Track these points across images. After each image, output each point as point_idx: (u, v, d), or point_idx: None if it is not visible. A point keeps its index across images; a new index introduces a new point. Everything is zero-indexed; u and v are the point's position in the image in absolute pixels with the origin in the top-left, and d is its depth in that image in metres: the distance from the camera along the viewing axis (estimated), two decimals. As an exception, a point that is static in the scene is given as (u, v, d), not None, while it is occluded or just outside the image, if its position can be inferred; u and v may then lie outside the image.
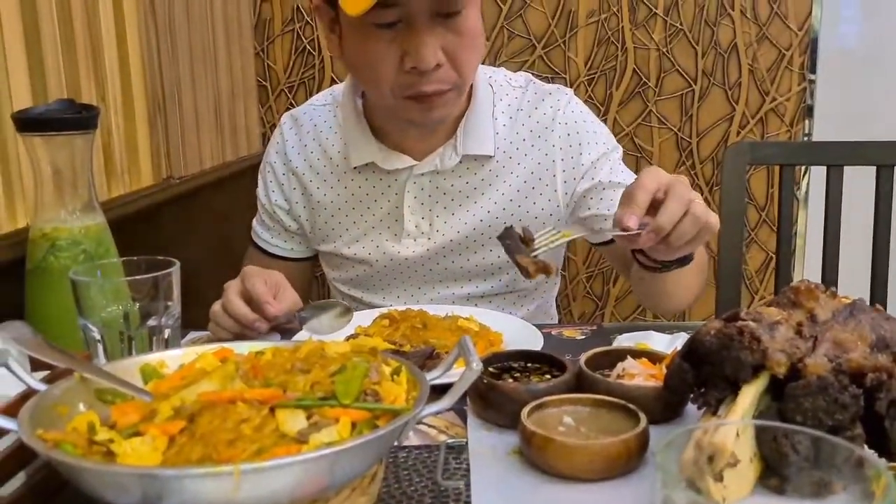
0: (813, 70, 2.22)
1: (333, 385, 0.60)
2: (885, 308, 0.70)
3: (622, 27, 2.20)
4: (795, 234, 2.29)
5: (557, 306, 1.54)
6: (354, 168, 1.25)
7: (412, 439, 0.79)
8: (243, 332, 1.03)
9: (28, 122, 0.93)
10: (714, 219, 0.88)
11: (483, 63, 2.20)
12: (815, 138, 2.25)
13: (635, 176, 1.26)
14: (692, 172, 2.28)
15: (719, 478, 0.52)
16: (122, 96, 1.47)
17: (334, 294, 1.41)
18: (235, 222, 1.72)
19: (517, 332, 1.05)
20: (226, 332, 1.05)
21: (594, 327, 1.14)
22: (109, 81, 1.43)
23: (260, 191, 1.35)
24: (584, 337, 1.11)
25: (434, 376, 0.68)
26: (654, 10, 2.18)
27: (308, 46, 2.27)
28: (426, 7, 1.04)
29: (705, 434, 0.54)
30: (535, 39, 2.21)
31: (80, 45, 1.32)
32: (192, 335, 1.15)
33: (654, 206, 0.86)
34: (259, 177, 1.35)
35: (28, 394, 0.64)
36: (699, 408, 0.64)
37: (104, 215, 1.05)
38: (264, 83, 2.29)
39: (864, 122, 2.26)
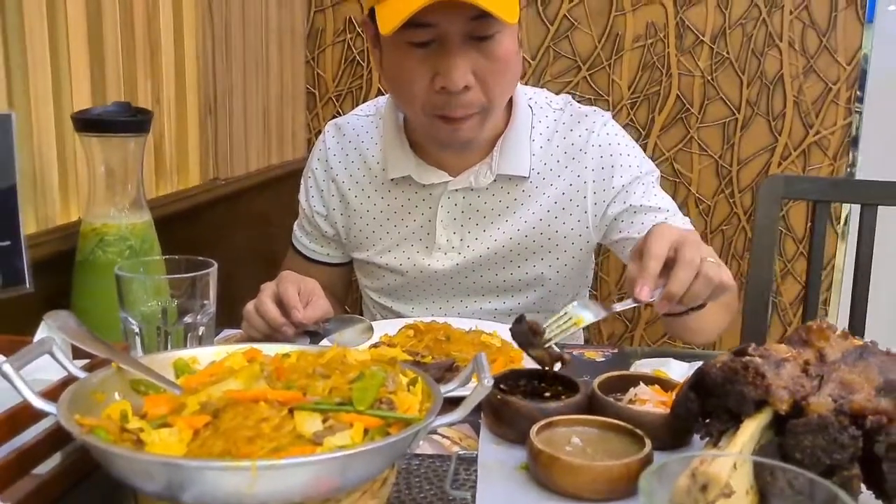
0: (860, 103, 2.20)
1: (351, 391, 0.63)
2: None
3: (668, 53, 2.21)
4: (833, 267, 2.27)
5: (586, 327, 1.55)
6: (392, 180, 1.28)
7: (426, 448, 0.81)
8: (272, 335, 1.07)
9: (86, 123, 0.99)
10: (727, 277, 0.88)
11: (527, 82, 2.23)
12: (859, 173, 2.23)
13: (671, 201, 1.28)
14: (731, 200, 2.27)
15: (712, 507, 0.54)
16: (175, 99, 1.54)
17: (366, 301, 1.45)
18: (277, 225, 1.77)
19: (539, 350, 1.07)
20: (256, 332, 1.09)
21: (615, 350, 1.16)
22: (165, 84, 1.49)
23: (301, 196, 1.40)
24: (604, 359, 1.12)
25: (449, 389, 0.71)
26: (700, 37, 2.19)
27: (357, 57, 2.32)
28: (459, 29, 1.07)
29: (701, 464, 0.56)
30: (580, 60, 2.23)
31: (140, 50, 1.38)
32: (226, 332, 1.19)
33: (668, 266, 0.86)
34: (301, 182, 1.40)
35: (69, 380, 0.68)
36: (701, 438, 0.66)
37: (151, 213, 1.10)
38: (313, 90, 2.35)
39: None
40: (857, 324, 1.34)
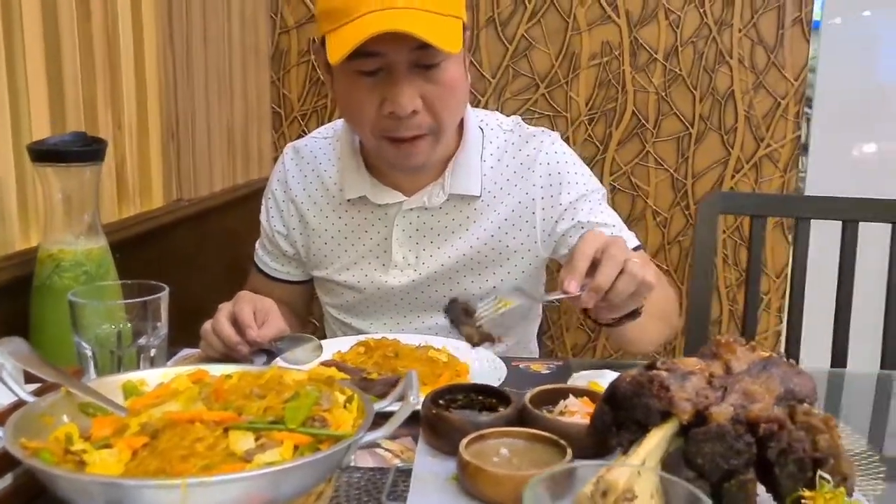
0: (809, 113, 2.27)
1: (284, 410, 0.67)
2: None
3: (623, 70, 2.27)
4: (786, 276, 2.33)
5: (541, 340, 1.60)
6: (348, 200, 1.33)
7: (367, 461, 0.85)
8: (229, 353, 1.11)
9: (41, 153, 1.02)
10: (650, 276, 0.95)
11: (487, 101, 2.29)
12: (808, 184, 2.30)
13: (617, 217, 1.33)
14: (686, 213, 2.33)
15: (613, 511, 0.58)
16: (137, 123, 1.57)
17: (327, 318, 1.49)
18: (244, 243, 1.80)
19: (484, 364, 1.11)
20: (213, 350, 1.12)
21: (560, 363, 1.21)
22: (126, 109, 1.52)
23: (262, 216, 1.44)
24: (548, 372, 1.17)
25: (382, 406, 0.75)
26: (654, 55, 2.25)
27: (322, 78, 2.36)
28: (405, 58, 1.12)
29: (607, 472, 0.61)
30: (538, 79, 2.29)
31: (100, 74, 1.41)
32: (185, 352, 1.22)
33: (596, 266, 0.93)
34: (262, 202, 1.44)
35: (19, 404, 0.72)
36: (615, 447, 0.70)
37: (109, 237, 1.13)
38: (279, 110, 2.39)
39: (860, 168, 2.31)
40: (793, 329, 1.40)
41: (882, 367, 1.38)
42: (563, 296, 0.91)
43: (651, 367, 0.72)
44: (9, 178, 1.17)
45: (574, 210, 1.30)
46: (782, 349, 1.81)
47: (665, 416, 0.68)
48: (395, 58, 1.12)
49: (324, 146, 1.39)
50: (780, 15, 2.22)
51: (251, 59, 2.20)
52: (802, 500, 0.63)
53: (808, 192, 2.34)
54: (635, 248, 1.29)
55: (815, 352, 1.45)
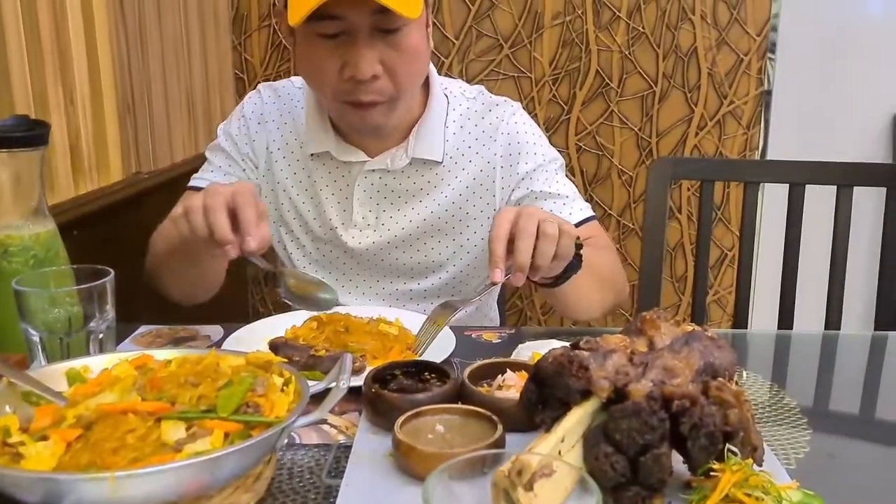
0: (770, 75, 2.28)
1: (217, 399, 0.69)
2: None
3: (586, 29, 2.26)
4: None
5: (511, 301, 1.62)
6: (311, 155, 1.33)
7: (313, 438, 0.88)
8: (206, 248, 0.98)
9: (-19, 140, 1.01)
10: (567, 225, 0.97)
11: (451, 62, 2.27)
12: (771, 142, 2.32)
13: (573, 188, 1.35)
14: (651, 171, 2.35)
15: (529, 487, 0.61)
16: (90, 96, 1.56)
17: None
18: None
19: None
20: (193, 234, 0.98)
21: (511, 331, 1.23)
22: (78, 83, 1.51)
23: (222, 140, 1.36)
24: (500, 341, 1.20)
25: (317, 388, 0.77)
26: (617, 13, 2.24)
27: (284, 41, 2.33)
28: (365, 21, 1.12)
29: (525, 452, 0.63)
30: (502, 39, 2.28)
31: (47, 48, 1.39)
32: (143, 329, 1.24)
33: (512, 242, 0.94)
34: (223, 128, 1.38)
35: (-40, 396, 0.73)
36: (538, 425, 0.73)
37: (65, 215, 1.14)
38: (242, 76, 2.37)
39: (820, 125, 2.33)
40: (741, 295, 1.43)
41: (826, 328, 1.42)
42: (492, 286, 0.93)
43: (575, 346, 0.74)
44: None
45: (530, 180, 1.32)
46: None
47: (585, 394, 0.71)
48: (355, 21, 1.12)
49: (297, 95, 1.38)
50: (742, -30, 2.21)
51: (210, 24, 2.17)
52: (712, 472, 0.66)
53: (770, 149, 2.35)
54: (587, 220, 1.31)
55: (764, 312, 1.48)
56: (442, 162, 1.31)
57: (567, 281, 1.07)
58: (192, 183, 1.39)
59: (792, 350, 1.26)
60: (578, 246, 1.04)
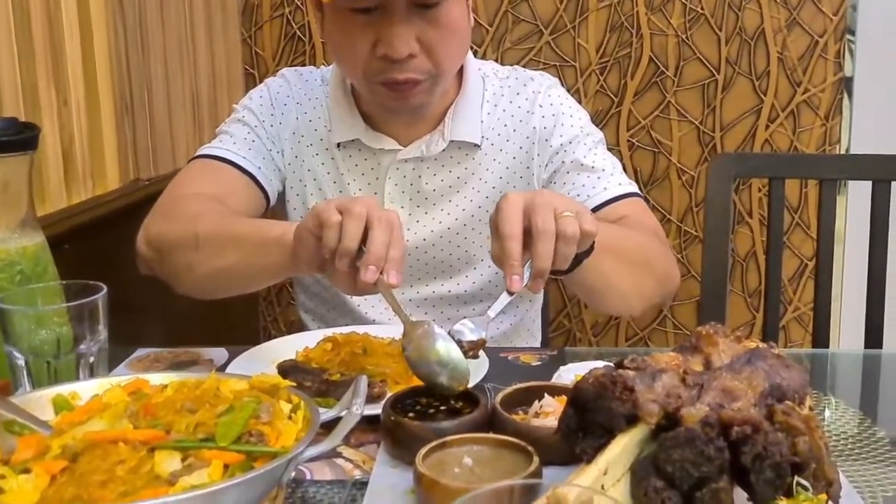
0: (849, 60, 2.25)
1: (216, 426, 0.70)
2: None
3: (637, 11, 2.25)
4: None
5: (556, 320, 1.61)
6: (338, 144, 1.35)
7: (327, 473, 0.88)
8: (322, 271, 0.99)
9: (-36, 145, 1.04)
10: (588, 224, 0.93)
11: (486, 51, 2.29)
12: (854, 134, 2.28)
13: (614, 163, 1.33)
14: (715, 170, 2.33)
15: (566, 527, 0.61)
16: (86, 97, 1.59)
17: (300, 305, 1.51)
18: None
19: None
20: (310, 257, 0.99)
21: (553, 352, 1.22)
22: (72, 83, 1.55)
23: (248, 101, 1.37)
24: (539, 363, 1.19)
25: (329, 416, 0.77)
26: (672, -8, 2.24)
27: (298, 32, 2.37)
28: None
29: (563, 485, 0.63)
30: (542, 25, 2.28)
31: (39, 44, 1.43)
32: (140, 352, 1.25)
33: (526, 234, 0.91)
34: (244, 104, 1.38)
35: (-61, 426, 0.75)
36: (578, 455, 0.72)
37: (56, 227, 1.16)
38: (252, 71, 2.40)
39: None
40: (821, 301, 1.41)
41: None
42: (510, 298, 0.92)
43: (620, 365, 0.73)
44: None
45: (564, 152, 1.33)
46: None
47: (632, 419, 0.70)
48: None
49: (320, 81, 1.40)
50: (816, -60, 2.18)
51: (217, 16, 2.21)
52: (779, 509, 0.65)
53: (854, 143, 2.31)
54: (625, 196, 1.30)
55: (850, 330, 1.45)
56: (480, 146, 1.33)
57: (579, 265, 1.04)
58: (204, 151, 1.35)
59: (883, 373, 1.23)
60: None
